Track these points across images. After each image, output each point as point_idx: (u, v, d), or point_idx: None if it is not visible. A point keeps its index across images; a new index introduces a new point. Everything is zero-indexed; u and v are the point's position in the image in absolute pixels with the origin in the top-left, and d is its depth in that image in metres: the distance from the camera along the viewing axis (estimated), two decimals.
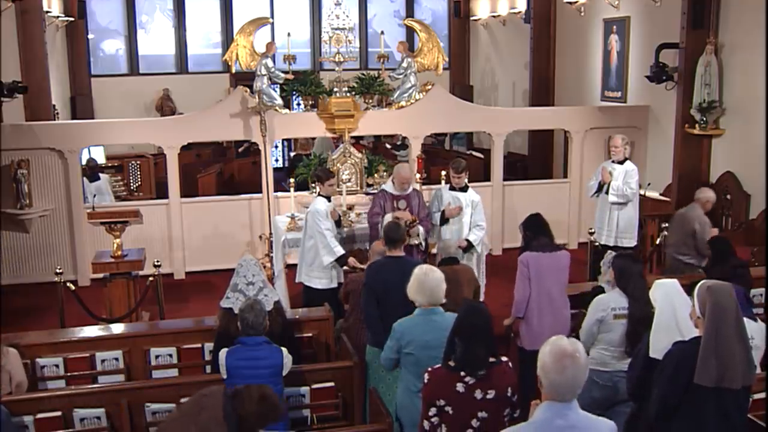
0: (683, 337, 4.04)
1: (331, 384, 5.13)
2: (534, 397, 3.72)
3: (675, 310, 4.22)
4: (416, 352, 4.39)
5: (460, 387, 3.79)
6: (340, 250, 7.13)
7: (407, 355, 4.44)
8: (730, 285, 3.82)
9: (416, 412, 4.30)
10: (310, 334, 5.87)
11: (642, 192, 8.62)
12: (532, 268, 5.78)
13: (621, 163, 8.21)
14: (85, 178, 10.56)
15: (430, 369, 3.91)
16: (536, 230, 6.01)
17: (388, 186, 7.60)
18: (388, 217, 7.13)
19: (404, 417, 4.50)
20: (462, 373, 3.80)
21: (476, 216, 7.53)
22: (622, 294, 4.99)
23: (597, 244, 8.23)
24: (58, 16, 13.46)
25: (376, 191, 8.64)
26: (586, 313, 5.15)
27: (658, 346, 4.12)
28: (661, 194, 9.69)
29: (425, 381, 3.89)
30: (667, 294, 4.31)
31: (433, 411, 3.84)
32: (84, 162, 11.07)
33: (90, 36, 15.81)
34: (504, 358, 3.93)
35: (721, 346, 3.64)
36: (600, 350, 5.02)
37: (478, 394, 3.79)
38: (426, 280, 4.49)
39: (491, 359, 3.83)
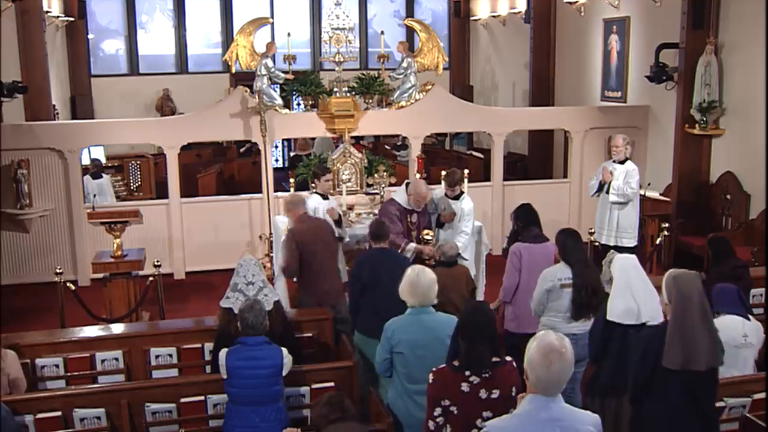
0: (635, 303, 4.55)
1: (331, 384, 5.12)
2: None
3: (628, 280, 4.63)
4: (406, 351, 4.45)
5: (464, 387, 3.82)
6: None
7: (397, 354, 4.49)
8: (696, 274, 4.05)
9: (407, 413, 4.42)
10: (310, 334, 5.88)
11: (642, 192, 8.62)
12: (524, 259, 6.08)
13: (622, 162, 8.21)
14: (88, 176, 10.62)
15: (434, 369, 3.92)
16: (527, 220, 6.32)
17: (400, 197, 7.26)
18: (411, 248, 7.04)
19: (399, 419, 4.53)
20: (467, 373, 3.82)
21: (461, 223, 7.46)
22: (566, 265, 5.47)
23: (597, 244, 8.24)
24: (58, 16, 13.45)
25: (377, 191, 8.65)
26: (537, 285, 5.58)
27: (614, 310, 4.60)
28: (661, 194, 9.69)
29: (430, 381, 3.90)
30: (623, 267, 4.72)
31: (438, 411, 3.86)
32: (89, 161, 11.19)
33: (90, 36, 15.81)
34: (508, 358, 3.97)
35: (685, 332, 3.86)
36: (550, 317, 5.52)
37: (483, 394, 3.82)
38: (418, 282, 4.54)
39: (495, 359, 3.87)
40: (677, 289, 3.92)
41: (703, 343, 3.85)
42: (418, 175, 9.19)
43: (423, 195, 7.14)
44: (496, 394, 3.82)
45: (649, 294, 4.60)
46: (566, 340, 3.16)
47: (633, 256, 4.91)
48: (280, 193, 9.82)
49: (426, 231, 7.20)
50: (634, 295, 4.58)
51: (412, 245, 7.06)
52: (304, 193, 8.44)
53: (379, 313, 5.13)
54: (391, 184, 8.68)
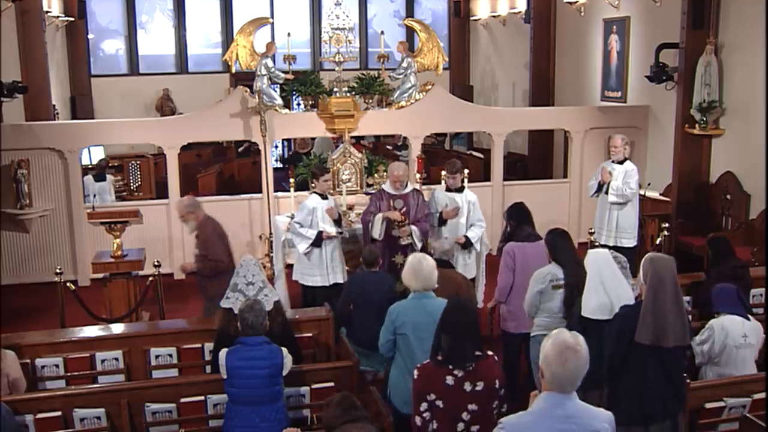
0: (608, 297, 4.62)
1: (331, 384, 5.13)
2: (515, 377, 4.54)
3: (601, 275, 4.71)
4: (409, 333, 4.74)
5: (449, 380, 3.89)
6: (312, 233, 7.17)
7: (401, 336, 4.77)
8: (671, 259, 4.30)
9: (408, 392, 4.42)
10: (310, 334, 5.88)
11: (642, 192, 8.62)
12: (518, 259, 6.11)
13: (621, 163, 8.21)
14: (90, 177, 10.62)
15: (418, 365, 4.04)
16: (520, 219, 6.37)
17: (387, 185, 7.56)
18: (379, 217, 7.19)
19: (396, 398, 4.79)
20: (450, 367, 3.91)
21: (474, 215, 7.55)
22: (557, 266, 5.48)
23: (597, 244, 8.23)
24: (58, 16, 13.46)
25: (375, 191, 8.66)
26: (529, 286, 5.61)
27: (588, 305, 4.69)
28: (661, 194, 9.69)
29: (415, 377, 3.98)
30: (596, 261, 4.80)
31: (424, 406, 3.93)
32: (95, 161, 11.20)
33: (90, 36, 15.82)
34: (489, 353, 4.08)
35: (657, 310, 4.11)
36: (543, 318, 5.52)
37: (467, 387, 3.89)
38: (420, 268, 4.87)
39: (478, 353, 3.96)
40: (653, 271, 4.17)
41: (673, 323, 4.12)
42: (418, 175, 9.23)
43: (396, 175, 7.37)
44: (480, 386, 3.90)
45: (621, 288, 4.67)
46: (581, 338, 3.20)
47: (605, 251, 5.00)
48: (280, 193, 9.83)
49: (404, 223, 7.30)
50: (607, 291, 4.67)
51: (380, 215, 7.24)
52: (307, 193, 8.46)
53: (371, 327, 5.40)
54: None
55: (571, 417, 3.14)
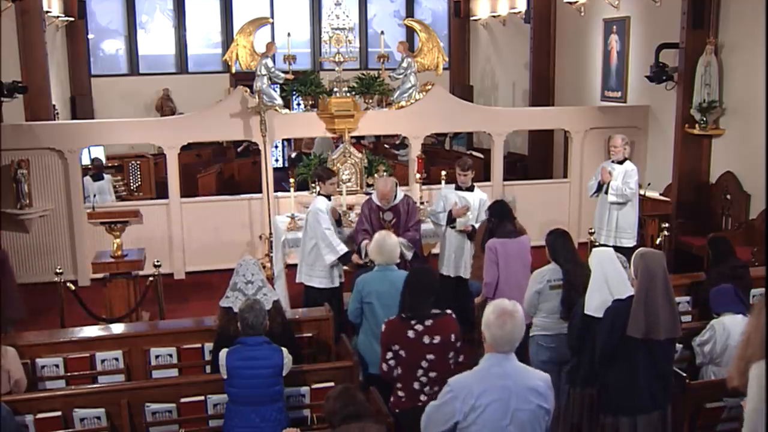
0: (612, 296, 4.64)
1: (331, 384, 5.12)
2: None
3: (606, 274, 4.80)
4: (374, 301, 5.33)
5: (410, 333, 4.52)
6: (343, 248, 7.12)
7: (367, 304, 5.36)
8: (662, 254, 4.48)
9: (374, 354, 5.13)
10: (310, 334, 5.88)
11: (642, 192, 8.62)
12: (501, 254, 6.23)
13: (620, 163, 8.22)
14: (88, 177, 10.61)
15: (386, 320, 4.65)
16: (501, 216, 6.48)
17: (375, 196, 7.46)
18: (363, 245, 7.12)
19: (366, 358, 5.39)
20: (412, 322, 4.53)
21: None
22: (557, 266, 5.54)
23: (597, 244, 8.23)
24: (58, 16, 13.46)
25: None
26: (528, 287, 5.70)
27: (592, 304, 4.76)
28: (661, 194, 9.70)
29: (383, 330, 4.61)
30: (600, 260, 4.89)
31: (389, 355, 4.57)
32: (89, 161, 11.17)
33: (90, 36, 15.82)
34: (448, 311, 4.65)
35: (649, 304, 4.24)
36: (542, 318, 5.61)
37: (426, 339, 4.51)
38: (384, 244, 5.44)
39: (435, 311, 4.57)
40: (644, 266, 4.29)
41: (663, 316, 4.25)
42: (418, 175, 9.22)
43: (382, 191, 7.30)
44: (437, 339, 4.51)
45: (624, 287, 4.69)
46: (518, 305, 3.58)
47: (610, 250, 5.07)
48: (280, 193, 9.83)
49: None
50: (611, 289, 4.71)
51: (364, 242, 7.12)
52: (307, 193, 8.43)
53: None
54: None
55: (508, 375, 3.51)
